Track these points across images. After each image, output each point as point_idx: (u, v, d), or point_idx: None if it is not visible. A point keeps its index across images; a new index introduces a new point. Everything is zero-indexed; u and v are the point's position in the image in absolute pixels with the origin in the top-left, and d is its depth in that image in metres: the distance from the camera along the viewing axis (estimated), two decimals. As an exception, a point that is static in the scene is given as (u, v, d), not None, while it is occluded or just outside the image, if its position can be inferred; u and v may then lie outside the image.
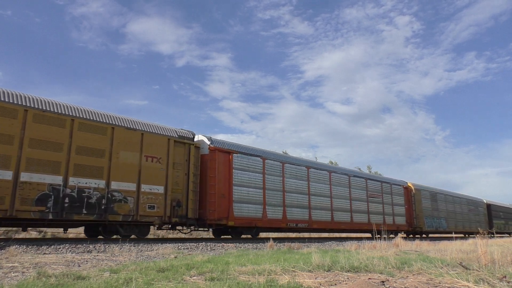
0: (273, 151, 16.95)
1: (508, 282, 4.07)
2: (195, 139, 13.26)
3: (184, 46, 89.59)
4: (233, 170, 13.59)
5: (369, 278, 4.25)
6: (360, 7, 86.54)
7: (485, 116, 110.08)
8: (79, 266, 5.34)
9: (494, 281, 4.08)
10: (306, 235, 20.80)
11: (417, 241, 11.98)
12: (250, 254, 7.45)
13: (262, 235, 20.18)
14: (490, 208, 34.22)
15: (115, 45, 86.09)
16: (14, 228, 12.49)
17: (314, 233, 21.87)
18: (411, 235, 24.84)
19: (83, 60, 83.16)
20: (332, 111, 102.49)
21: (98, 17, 77.24)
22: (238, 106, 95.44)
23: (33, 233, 15.84)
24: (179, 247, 9.10)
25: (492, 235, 30.89)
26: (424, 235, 25.80)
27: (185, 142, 12.51)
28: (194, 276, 4.28)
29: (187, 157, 12.47)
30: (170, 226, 12.55)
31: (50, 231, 15.25)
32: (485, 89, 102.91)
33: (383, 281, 4.11)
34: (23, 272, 4.54)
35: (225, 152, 13.56)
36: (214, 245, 10.09)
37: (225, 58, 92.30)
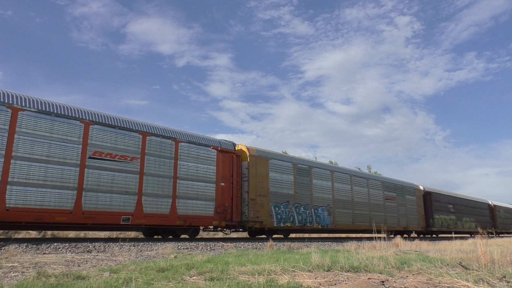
0: None
1: (508, 282, 4.07)
2: None
3: (185, 46, 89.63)
4: None
5: (369, 278, 4.25)
6: (360, 7, 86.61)
7: (485, 116, 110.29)
8: (78, 266, 5.34)
9: (494, 281, 4.09)
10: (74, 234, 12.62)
11: (416, 241, 12.00)
12: (250, 254, 7.46)
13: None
14: (430, 197, 23.94)
15: (116, 45, 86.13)
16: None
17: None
18: (266, 236, 14.42)
19: (83, 60, 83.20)
20: (332, 111, 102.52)
21: (98, 17, 77.26)
22: (238, 106, 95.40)
23: (32, 233, 15.84)
24: (179, 247, 9.11)
25: (431, 235, 23.13)
26: (281, 235, 15.22)
27: None
28: (194, 276, 4.28)
29: None
30: None
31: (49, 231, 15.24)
32: (485, 89, 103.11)
33: (382, 281, 4.12)
34: (22, 272, 4.53)
35: None
36: (214, 245, 10.12)
37: (226, 58, 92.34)
